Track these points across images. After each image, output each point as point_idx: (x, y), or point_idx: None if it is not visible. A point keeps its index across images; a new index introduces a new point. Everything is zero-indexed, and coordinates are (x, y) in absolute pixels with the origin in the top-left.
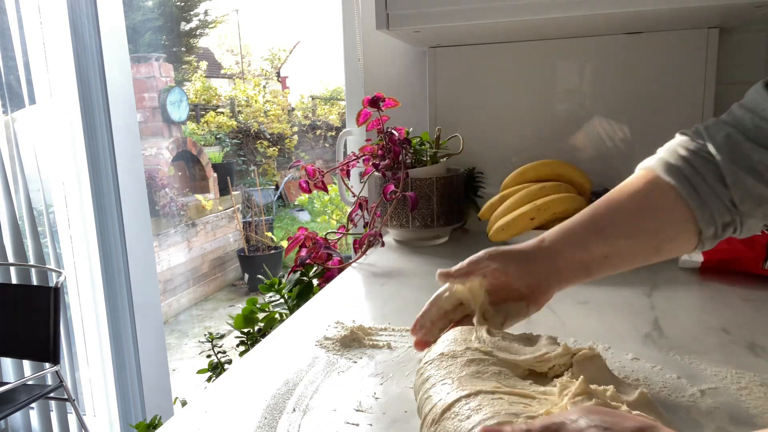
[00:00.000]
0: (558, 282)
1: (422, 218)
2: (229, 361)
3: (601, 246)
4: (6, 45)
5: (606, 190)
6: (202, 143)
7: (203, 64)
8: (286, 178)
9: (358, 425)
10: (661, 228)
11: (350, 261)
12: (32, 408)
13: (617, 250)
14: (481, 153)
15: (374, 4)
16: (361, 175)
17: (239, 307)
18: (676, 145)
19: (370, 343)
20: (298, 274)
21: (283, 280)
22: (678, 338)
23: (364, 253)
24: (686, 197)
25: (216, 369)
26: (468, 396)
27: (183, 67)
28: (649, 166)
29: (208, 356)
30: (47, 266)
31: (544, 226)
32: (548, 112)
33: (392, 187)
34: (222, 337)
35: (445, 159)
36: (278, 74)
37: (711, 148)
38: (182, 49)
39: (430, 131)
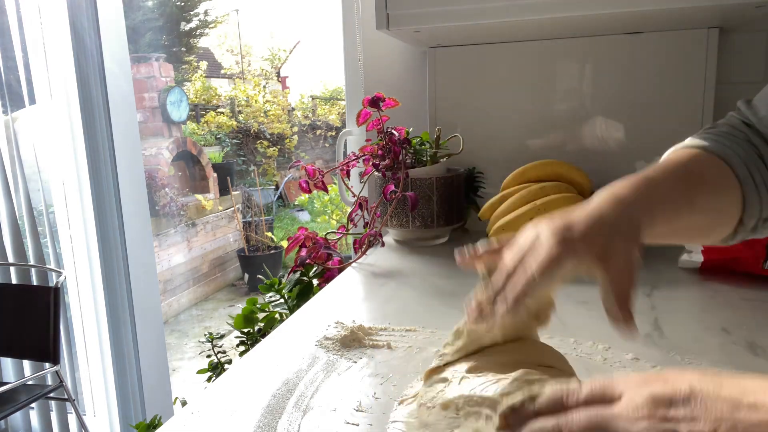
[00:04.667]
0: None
1: (422, 218)
2: (229, 361)
3: (685, 219)
4: (6, 45)
5: None
6: (202, 143)
7: (203, 64)
8: (286, 178)
9: (358, 425)
10: (722, 210)
11: (350, 261)
12: (32, 408)
13: (692, 224)
14: (481, 153)
15: (374, 4)
16: (361, 175)
17: (239, 307)
18: (725, 128)
19: (370, 343)
20: (298, 274)
21: (283, 280)
22: (678, 338)
23: (364, 253)
24: (743, 184)
25: (216, 369)
26: None
27: (183, 67)
28: (705, 147)
29: (208, 356)
30: (47, 266)
31: None
32: (548, 112)
33: (392, 187)
34: (222, 337)
35: (445, 159)
36: (278, 74)
37: (757, 140)
38: (182, 49)
39: (430, 131)
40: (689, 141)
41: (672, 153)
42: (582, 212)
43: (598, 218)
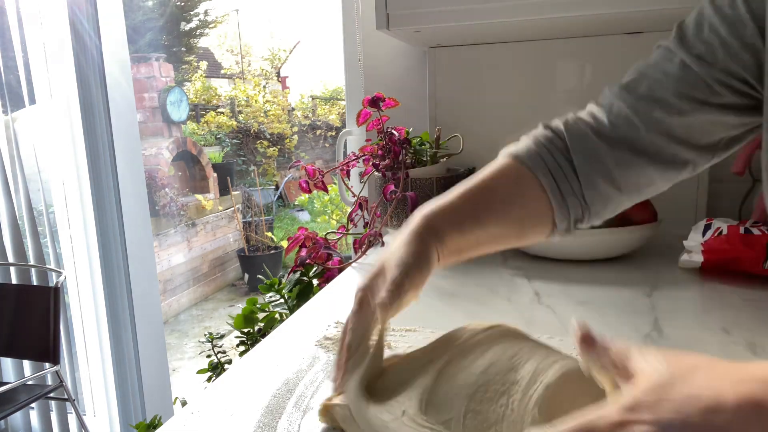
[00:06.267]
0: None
1: None
2: (229, 361)
3: (477, 232)
4: (6, 45)
5: None
6: (202, 143)
7: (203, 64)
8: (286, 178)
9: None
10: (526, 217)
11: (350, 261)
12: (32, 408)
13: (489, 235)
14: (481, 153)
15: (374, 4)
16: (361, 175)
17: (239, 307)
18: (543, 138)
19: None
20: (298, 274)
21: (283, 280)
22: (678, 338)
23: (364, 253)
24: (549, 194)
25: (216, 369)
26: None
27: (183, 67)
28: (518, 156)
29: (208, 356)
30: (47, 266)
31: None
32: (548, 113)
33: (392, 187)
34: (222, 337)
35: (445, 159)
36: (278, 74)
37: (570, 147)
38: (182, 49)
39: (430, 131)
40: (520, 143)
41: (496, 160)
42: (390, 253)
43: (399, 258)
